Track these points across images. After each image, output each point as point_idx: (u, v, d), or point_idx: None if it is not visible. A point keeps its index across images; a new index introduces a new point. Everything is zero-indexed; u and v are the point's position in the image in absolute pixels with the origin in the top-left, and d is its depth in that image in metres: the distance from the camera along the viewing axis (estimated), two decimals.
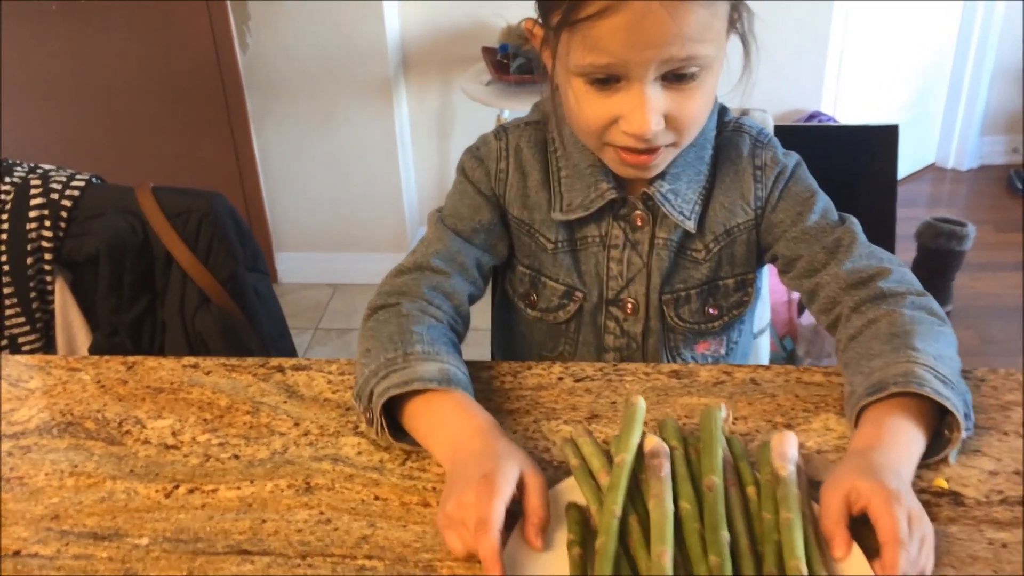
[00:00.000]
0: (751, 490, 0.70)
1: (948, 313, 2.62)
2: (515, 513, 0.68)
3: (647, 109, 0.82)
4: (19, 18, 2.53)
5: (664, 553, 0.62)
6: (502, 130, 1.01)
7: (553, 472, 0.77)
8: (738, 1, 0.84)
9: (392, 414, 0.81)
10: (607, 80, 0.83)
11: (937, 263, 2.60)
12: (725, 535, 0.64)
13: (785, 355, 2.35)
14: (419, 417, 0.79)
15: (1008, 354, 2.50)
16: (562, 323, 1.03)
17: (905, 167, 3.54)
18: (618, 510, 0.66)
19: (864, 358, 0.81)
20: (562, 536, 0.68)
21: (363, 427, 0.83)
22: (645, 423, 0.75)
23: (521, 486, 0.70)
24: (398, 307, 0.89)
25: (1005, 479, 0.74)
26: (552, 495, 0.71)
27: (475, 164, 1.00)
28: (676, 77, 0.83)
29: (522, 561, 0.67)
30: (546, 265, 1.00)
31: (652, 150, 0.87)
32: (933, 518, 0.70)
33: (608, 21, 0.78)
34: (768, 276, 2.36)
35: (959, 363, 0.81)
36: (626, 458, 0.70)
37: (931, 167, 3.66)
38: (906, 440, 0.73)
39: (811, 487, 0.72)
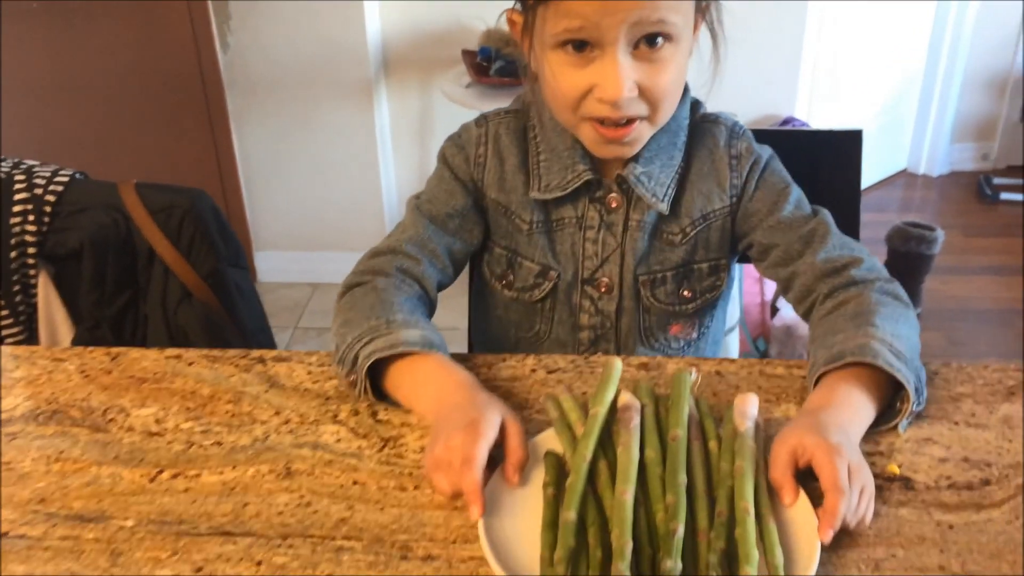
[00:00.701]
0: (713, 444, 0.76)
1: (918, 315, 2.69)
2: (496, 458, 0.75)
3: (620, 75, 0.86)
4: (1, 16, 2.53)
5: (626, 491, 0.68)
6: (483, 118, 1.05)
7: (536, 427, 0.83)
8: None
9: (373, 378, 0.86)
10: (581, 46, 0.87)
11: (907, 266, 2.65)
12: (683, 478, 0.70)
13: (758, 356, 2.40)
14: (403, 377, 0.85)
15: (974, 356, 2.56)
16: (537, 302, 1.07)
17: (877, 173, 3.60)
18: (588, 454, 0.72)
19: (828, 334, 0.87)
20: (539, 479, 0.74)
21: (342, 415, 0.86)
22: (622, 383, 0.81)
23: (502, 432, 0.76)
24: (373, 283, 0.95)
25: (953, 465, 0.78)
26: (532, 444, 0.78)
27: (455, 150, 1.05)
28: (648, 44, 0.87)
29: (501, 500, 0.73)
30: (522, 245, 1.05)
31: (628, 122, 0.91)
32: (885, 501, 0.74)
33: None
34: (743, 279, 2.41)
35: (918, 344, 0.87)
36: (600, 411, 0.76)
37: (903, 173, 3.73)
38: (855, 404, 0.79)
39: (768, 443, 0.77)
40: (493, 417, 0.76)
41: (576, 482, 0.70)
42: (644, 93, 0.89)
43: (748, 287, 2.44)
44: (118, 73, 2.64)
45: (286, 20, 2.59)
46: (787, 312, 2.40)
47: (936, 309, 2.77)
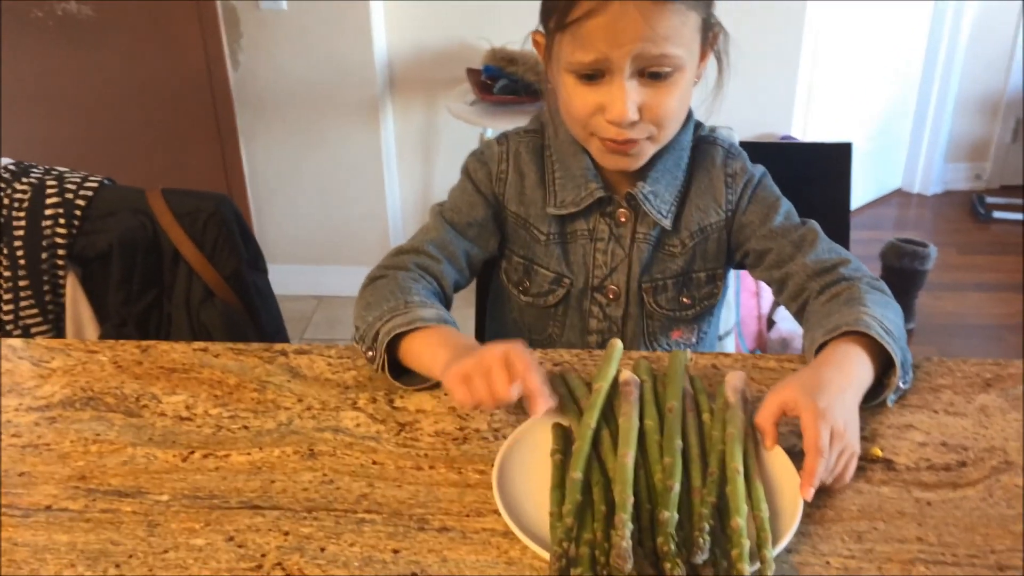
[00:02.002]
0: (706, 416, 0.83)
1: (911, 331, 2.75)
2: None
3: (625, 99, 0.95)
4: (19, 32, 2.61)
5: (628, 454, 0.75)
6: (503, 137, 1.13)
7: None
8: (708, 16, 0.98)
9: (391, 357, 0.93)
10: (592, 76, 0.96)
11: (900, 282, 2.71)
12: (678, 443, 0.77)
13: None
14: (419, 344, 0.92)
15: None
16: (551, 307, 1.14)
17: (872, 191, 3.67)
18: (593, 423, 0.79)
19: (824, 317, 0.94)
20: (547, 448, 0.81)
21: (361, 402, 0.92)
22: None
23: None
24: (394, 275, 1.03)
25: (932, 449, 0.84)
26: (542, 418, 0.83)
27: (478, 165, 1.13)
28: (651, 75, 0.95)
29: (512, 467, 0.80)
30: (538, 255, 1.12)
31: (631, 142, 0.99)
32: (868, 480, 0.80)
33: (593, 21, 0.92)
34: (740, 291, 2.47)
35: (904, 331, 0.94)
36: (603, 386, 0.83)
37: (897, 192, 3.80)
38: (854, 363, 0.86)
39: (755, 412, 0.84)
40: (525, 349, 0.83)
41: (582, 446, 0.77)
42: (648, 115, 0.97)
43: (745, 300, 2.50)
44: (131, 89, 2.71)
45: (295, 39, 2.66)
46: (784, 325, 2.46)
47: (930, 324, 2.82)
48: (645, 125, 0.98)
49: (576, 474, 0.73)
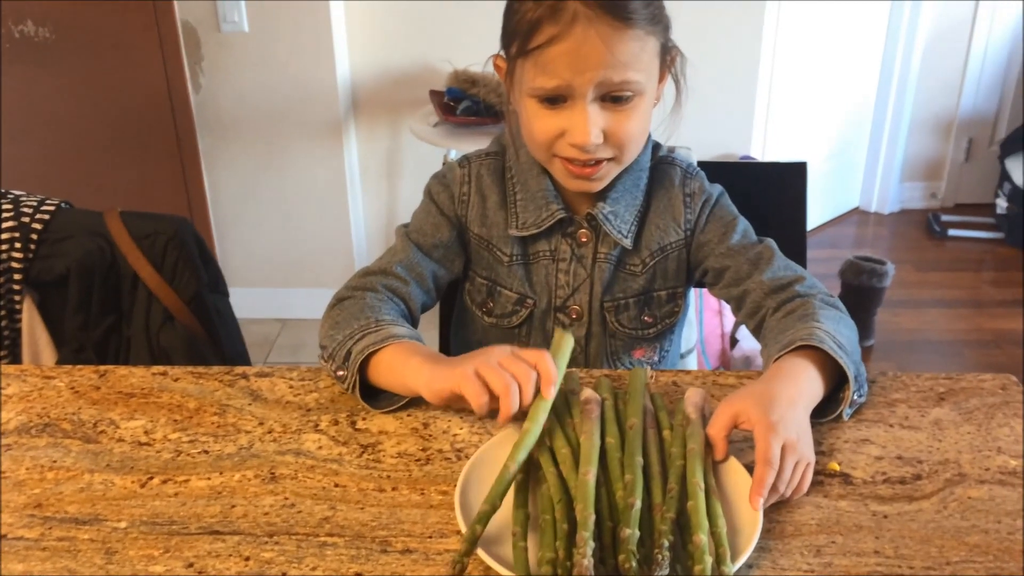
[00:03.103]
0: (667, 433, 0.84)
1: (870, 347, 2.79)
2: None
3: (588, 123, 0.96)
4: None
5: (589, 472, 0.75)
6: (465, 159, 1.14)
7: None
8: (666, 40, 1.00)
9: (362, 378, 0.93)
10: (555, 100, 0.97)
11: (859, 299, 2.75)
12: (639, 460, 0.78)
13: None
14: (394, 359, 0.92)
15: None
16: (515, 327, 1.15)
17: (831, 211, 3.73)
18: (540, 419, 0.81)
19: (779, 332, 0.96)
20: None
21: (323, 424, 0.92)
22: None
23: None
24: (363, 295, 1.02)
25: (888, 463, 0.85)
26: (504, 437, 0.85)
27: (441, 188, 1.13)
28: (613, 99, 0.97)
29: (474, 487, 0.79)
30: (502, 276, 1.13)
31: (595, 164, 1.00)
32: (825, 495, 0.81)
33: (555, 48, 0.93)
34: (703, 309, 2.49)
35: (858, 345, 0.96)
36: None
37: (855, 211, 3.86)
38: (805, 376, 0.88)
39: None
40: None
41: (523, 439, 0.78)
42: (610, 139, 0.99)
43: (708, 319, 2.53)
44: (90, 112, 2.68)
45: (257, 61, 2.66)
46: (746, 343, 2.48)
47: (888, 340, 2.87)
48: (607, 147, 1.00)
49: (512, 464, 0.76)
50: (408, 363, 0.91)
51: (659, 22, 0.97)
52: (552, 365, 0.82)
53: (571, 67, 0.94)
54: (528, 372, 0.82)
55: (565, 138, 0.99)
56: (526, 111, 1.01)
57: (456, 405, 0.90)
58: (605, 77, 0.94)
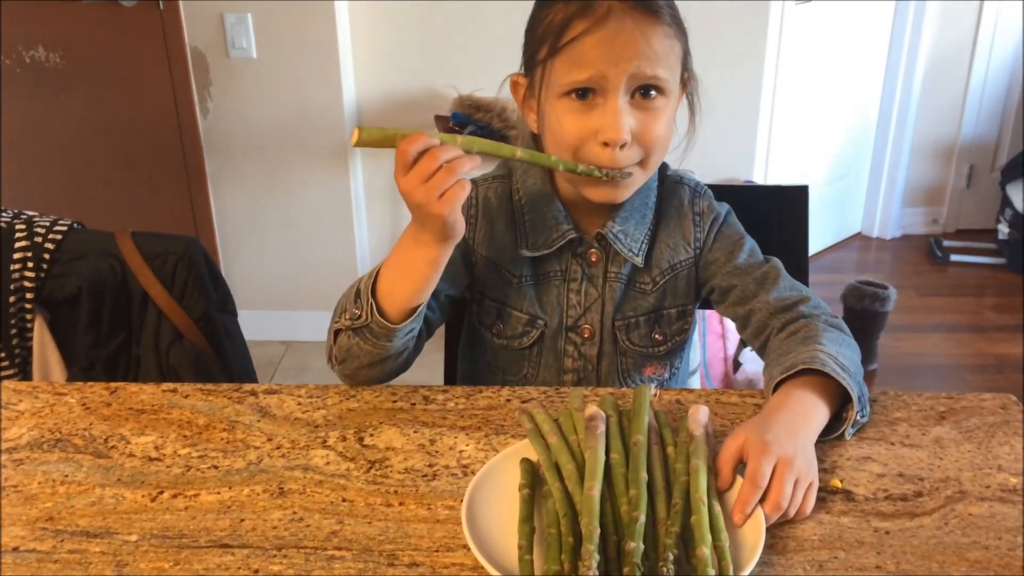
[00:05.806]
0: (671, 449, 0.85)
1: (872, 371, 2.80)
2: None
3: (620, 119, 0.98)
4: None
5: (594, 487, 0.76)
6: (472, 183, 1.14)
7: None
8: (686, 54, 1.02)
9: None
10: (586, 93, 0.98)
11: (861, 323, 2.76)
12: (644, 475, 0.79)
13: None
14: (389, 262, 0.99)
15: None
16: (525, 348, 1.16)
17: (833, 236, 3.75)
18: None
19: (782, 354, 0.97)
20: (515, 483, 0.82)
21: (331, 440, 0.93)
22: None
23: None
24: None
25: (890, 480, 0.86)
26: (510, 453, 0.87)
27: None
28: (643, 94, 0.99)
29: (481, 503, 0.81)
30: (511, 297, 1.14)
31: (622, 172, 1.01)
32: (828, 511, 0.82)
33: (589, 39, 0.96)
34: (706, 332, 2.50)
35: (860, 366, 0.97)
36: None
37: (857, 236, 3.88)
38: (807, 405, 0.89)
39: (720, 442, 0.87)
40: None
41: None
42: (638, 139, 1.00)
43: (711, 342, 2.54)
44: (100, 135, 2.71)
45: (265, 86, 2.69)
46: (749, 366, 2.49)
47: (891, 365, 2.87)
48: (636, 149, 1.01)
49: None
50: (399, 246, 0.97)
51: (682, 28, 1.00)
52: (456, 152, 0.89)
53: (605, 56, 0.95)
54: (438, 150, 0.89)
55: (596, 137, 0.99)
56: (555, 113, 1.01)
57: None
58: (638, 69, 0.96)
